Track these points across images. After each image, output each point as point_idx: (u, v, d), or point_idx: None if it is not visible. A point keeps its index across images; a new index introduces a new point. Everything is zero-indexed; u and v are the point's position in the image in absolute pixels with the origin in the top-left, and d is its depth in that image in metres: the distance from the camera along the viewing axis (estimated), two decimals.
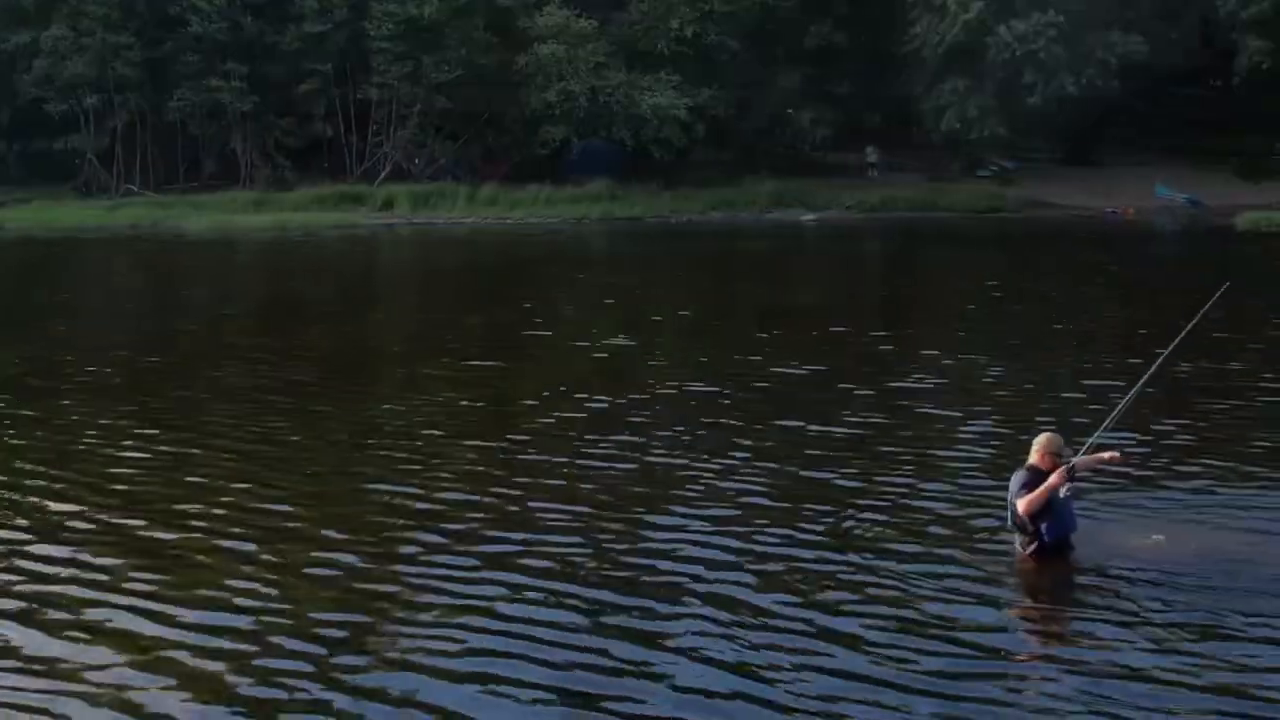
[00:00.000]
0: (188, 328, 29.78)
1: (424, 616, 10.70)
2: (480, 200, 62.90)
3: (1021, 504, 11.53)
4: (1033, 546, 11.71)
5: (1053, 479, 11.45)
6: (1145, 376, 12.42)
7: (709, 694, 9.06)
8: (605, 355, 24.57)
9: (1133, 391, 12.35)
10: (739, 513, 13.59)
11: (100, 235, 59.23)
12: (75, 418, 18.98)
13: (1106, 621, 10.27)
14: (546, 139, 66.23)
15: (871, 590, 10.99)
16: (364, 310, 34.82)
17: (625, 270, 43.05)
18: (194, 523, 13.50)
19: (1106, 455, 12.08)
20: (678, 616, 10.52)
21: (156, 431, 17.94)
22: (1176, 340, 12.75)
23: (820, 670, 9.37)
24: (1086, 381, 20.10)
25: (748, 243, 52.44)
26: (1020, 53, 63.71)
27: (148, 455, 16.64)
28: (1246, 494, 13.91)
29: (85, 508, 14.14)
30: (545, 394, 20.95)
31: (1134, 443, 14.95)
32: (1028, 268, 43.39)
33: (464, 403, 20.31)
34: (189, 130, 68.14)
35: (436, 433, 17.86)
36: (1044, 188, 67.77)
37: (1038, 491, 11.45)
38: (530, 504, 14.18)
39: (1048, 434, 12.02)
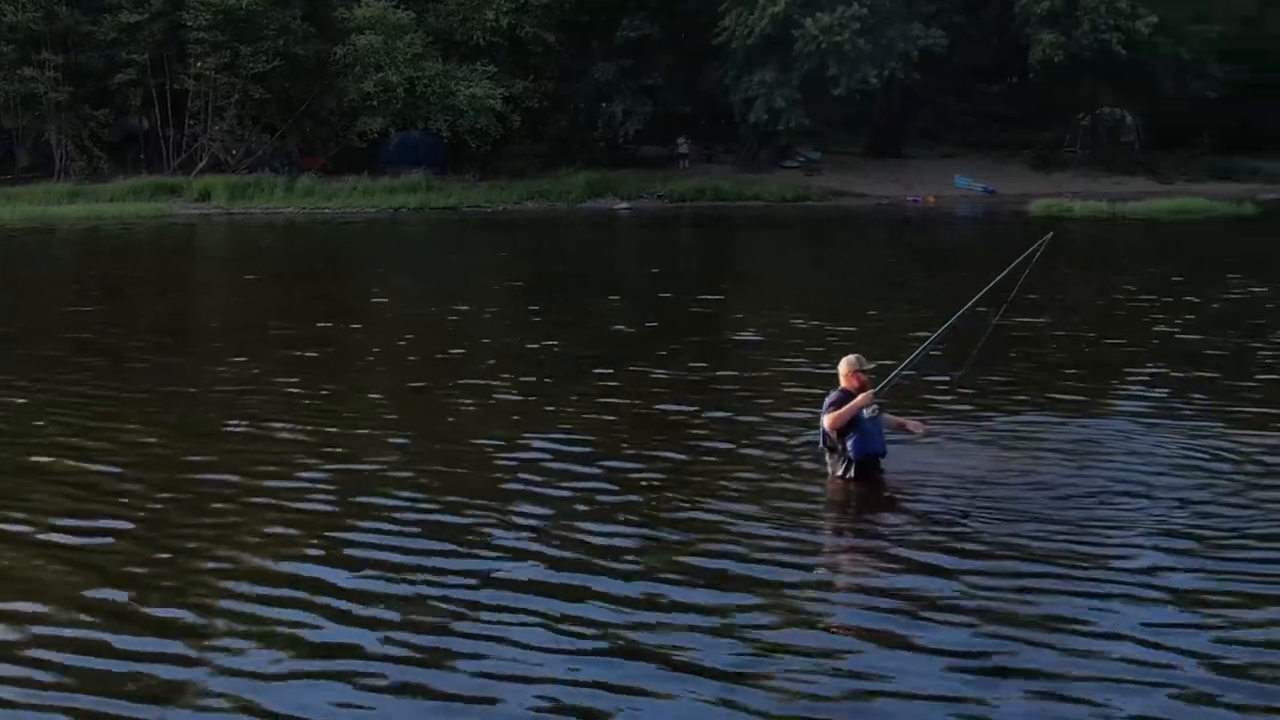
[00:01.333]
0: (21, 303, 29.98)
1: (276, 530, 11.54)
2: (298, 191, 62.63)
3: (827, 419, 12.43)
4: (844, 467, 12.61)
5: (859, 398, 12.38)
6: (959, 313, 13.35)
7: (537, 613, 9.62)
8: (441, 319, 25.51)
9: (943, 327, 13.24)
10: (581, 440, 14.58)
11: None
12: None
13: (909, 536, 11.19)
14: (364, 130, 66.29)
15: (697, 514, 11.83)
16: (196, 286, 35.28)
17: (449, 252, 43.83)
18: (53, 458, 14.23)
19: (912, 424, 13.11)
20: (523, 531, 11.37)
21: (9, 389, 18.50)
22: (998, 279, 13.64)
23: (641, 584, 10.08)
24: (902, 334, 21.56)
25: (565, 229, 53.32)
26: (825, 45, 65.28)
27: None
28: (1046, 423, 15.34)
29: None
30: (387, 349, 21.78)
31: (949, 381, 16.34)
32: (837, 247, 45.30)
33: (306, 355, 21.09)
34: (2, 122, 67.02)
35: (282, 380, 18.64)
36: (848, 178, 69.70)
37: (844, 409, 12.36)
38: (381, 436, 15.05)
39: (848, 356, 12.91)
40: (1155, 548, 10.82)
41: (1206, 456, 13.76)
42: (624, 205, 63.49)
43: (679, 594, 9.90)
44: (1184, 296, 27.53)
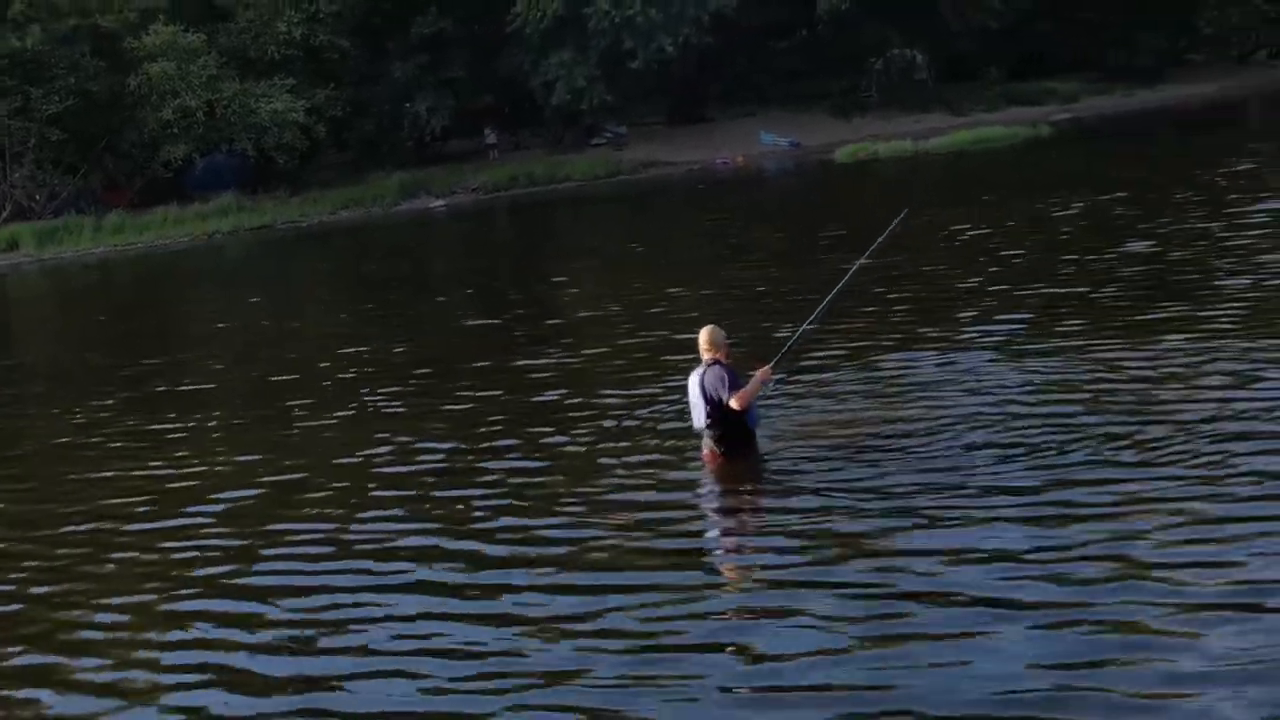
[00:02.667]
0: None
1: (161, 575, 11.30)
2: (107, 229, 61.70)
3: (737, 400, 11.94)
4: (718, 442, 12.30)
5: (761, 373, 12.28)
6: (842, 282, 13.57)
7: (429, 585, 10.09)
8: (284, 337, 25.45)
9: (834, 291, 13.39)
10: (458, 440, 14.67)
11: None
12: None
13: (795, 499, 11.12)
14: (168, 158, 65.40)
15: (579, 501, 11.78)
16: (22, 337, 34.72)
17: (271, 270, 43.67)
18: None
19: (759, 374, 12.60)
20: (419, 538, 11.39)
21: None
22: (870, 250, 14.01)
23: (554, 576, 10.09)
24: (749, 289, 22.00)
25: (384, 233, 53.45)
26: (618, 19, 65.89)
27: None
28: (912, 363, 15.52)
29: None
30: (238, 375, 21.76)
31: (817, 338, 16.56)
32: (658, 216, 45.93)
33: (157, 391, 20.88)
34: None
35: (137, 420, 18.53)
36: (655, 148, 70.45)
37: (751, 385, 12.11)
38: (255, 463, 14.96)
39: (709, 328, 12.51)
40: (1042, 465, 11.07)
41: (1079, 372, 13.99)
42: (439, 202, 63.50)
43: (590, 579, 9.96)
44: (1006, 222, 28.36)
